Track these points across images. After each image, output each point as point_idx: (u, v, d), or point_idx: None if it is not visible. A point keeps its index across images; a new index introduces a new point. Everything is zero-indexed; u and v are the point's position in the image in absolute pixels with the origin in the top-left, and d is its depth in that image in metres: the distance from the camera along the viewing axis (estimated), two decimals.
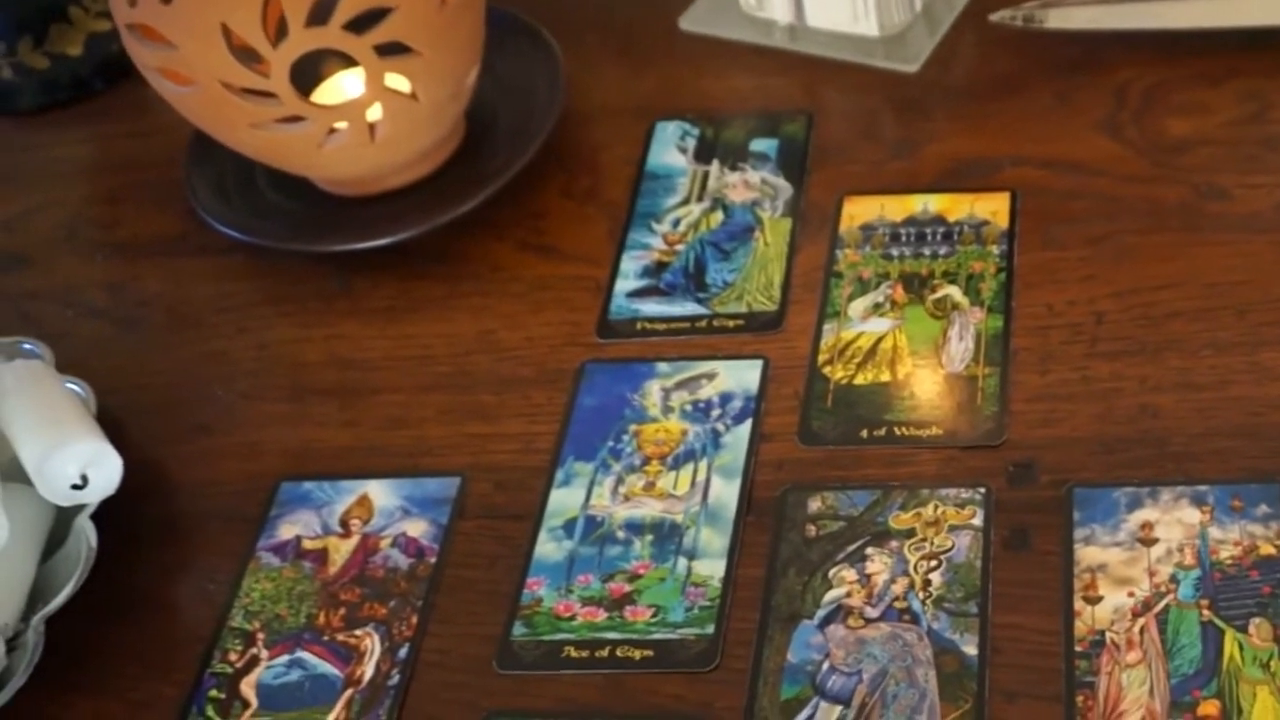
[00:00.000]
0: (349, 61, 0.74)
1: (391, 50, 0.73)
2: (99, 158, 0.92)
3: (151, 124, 0.90)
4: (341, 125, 0.75)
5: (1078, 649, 0.59)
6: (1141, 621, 0.59)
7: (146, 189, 0.87)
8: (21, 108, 0.94)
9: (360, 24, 0.71)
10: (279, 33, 0.70)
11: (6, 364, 0.69)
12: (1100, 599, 0.60)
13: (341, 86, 0.77)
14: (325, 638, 0.65)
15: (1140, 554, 0.61)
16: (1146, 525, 0.62)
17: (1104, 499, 0.63)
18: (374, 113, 0.75)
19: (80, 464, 0.65)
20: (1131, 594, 0.60)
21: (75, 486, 0.66)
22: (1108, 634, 0.59)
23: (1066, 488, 0.64)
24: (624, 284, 0.76)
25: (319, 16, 0.70)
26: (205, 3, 0.70)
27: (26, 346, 0.73)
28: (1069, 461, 0.65)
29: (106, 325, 0.81)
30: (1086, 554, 0.62)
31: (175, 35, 0.70)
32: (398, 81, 0.74)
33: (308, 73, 0.74)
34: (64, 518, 0.68)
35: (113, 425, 0.69)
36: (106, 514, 0.67)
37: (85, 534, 0.66)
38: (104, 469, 0.66)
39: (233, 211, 0.81)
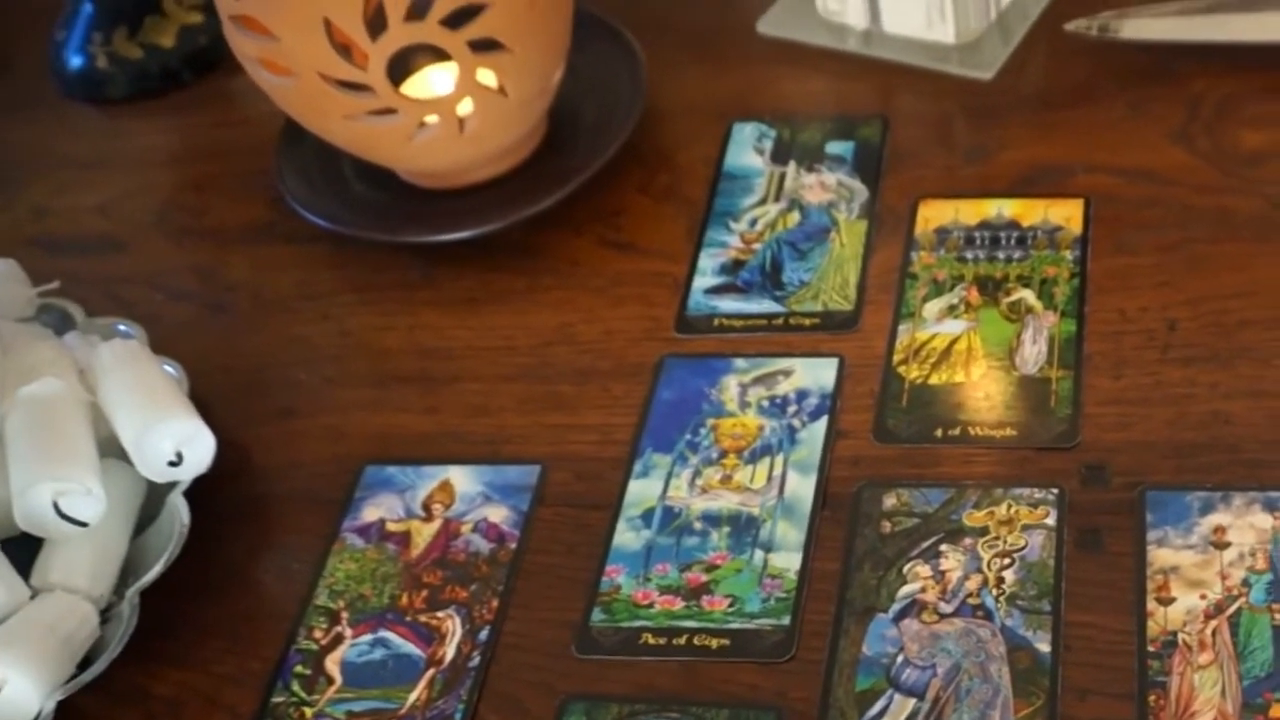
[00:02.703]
0: (437, 56, 0.76)
1: (483, 46, 0.74)
2: (187, 146, 0.93)
3: (237, 115, 0.92)
4: (432, 119, 0.76)
5: (1150, 649, 0.60)
6: (1214, 624, 0.60)
7: (232, 178, 0.89)
8: (114, 96, 0.96)
9: (455, 20, 0.73)
10: (376, 26, 0.72)
11: (104, 343, 0.71)
12: (1173, 600, 0.61)
13: (428, 81, 0.79)
14: (408, 618, 0.67)
15: (1213, 557, 0.62)
16: (1219, 529, 0.63)
17: (1176, 502, 0.64)
18: (464, 107, 0.76)
19: (176, 441, 0.67)
20: (1204, 596, 0.61)
21: (170, 464, 0.67)
22: (1180, 635, 0.60)
23: (1139, 490, 0.65)
24: (701, 281, 0.78)
25: (417, 12, 0.72)
26: None
27: (121, 328, 0.75)
28: (1141, 465, 0.66)
29: (194, 309, 0.83)
30: (1159, 556, 0.62)
31: (278, 27, 0.72)
32: (487, 77, 0.76)
33: (396, 66, 0.75)
34: (154, 495, 0.70)
35: (200, 406, 0.70)
36: (194, 493, 0.68)
37: (178, 511, 0.67)
38: (198, 447, 0.67)
39: (319, 201, 0.82)
